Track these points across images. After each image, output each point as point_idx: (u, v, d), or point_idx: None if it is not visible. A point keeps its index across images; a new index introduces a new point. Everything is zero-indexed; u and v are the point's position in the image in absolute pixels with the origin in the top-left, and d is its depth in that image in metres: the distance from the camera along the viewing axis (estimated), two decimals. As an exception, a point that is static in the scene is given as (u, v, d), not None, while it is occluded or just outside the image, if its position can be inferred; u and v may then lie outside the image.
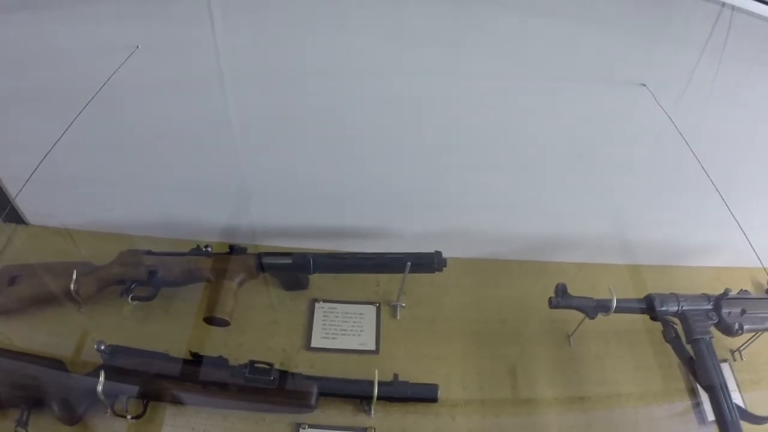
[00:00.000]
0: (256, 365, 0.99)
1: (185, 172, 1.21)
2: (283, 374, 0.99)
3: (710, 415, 1.05)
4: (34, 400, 1.03)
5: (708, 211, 1.13)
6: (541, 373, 1.08)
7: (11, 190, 1.28)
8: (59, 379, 1.05)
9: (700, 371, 1.04)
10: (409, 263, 1.03)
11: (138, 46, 1.00)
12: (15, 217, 1.32)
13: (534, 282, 1.18)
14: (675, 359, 1.10)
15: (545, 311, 1.12)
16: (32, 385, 1.05)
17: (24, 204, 1.31)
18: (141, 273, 1.11)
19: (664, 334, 1.08)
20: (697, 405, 1.09)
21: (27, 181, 0.98)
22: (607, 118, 1.07)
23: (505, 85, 1.03)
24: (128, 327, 1.13)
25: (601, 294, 1.09)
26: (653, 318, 1.08)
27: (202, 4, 0.96)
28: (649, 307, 1.06)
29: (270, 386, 0.98)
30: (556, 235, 1.18)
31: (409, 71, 1.03)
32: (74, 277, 1.12)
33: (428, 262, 1.04)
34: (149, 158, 1.21)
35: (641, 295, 1.10)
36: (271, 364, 0.98)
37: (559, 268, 1.20)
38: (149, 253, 1.13)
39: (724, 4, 0.97)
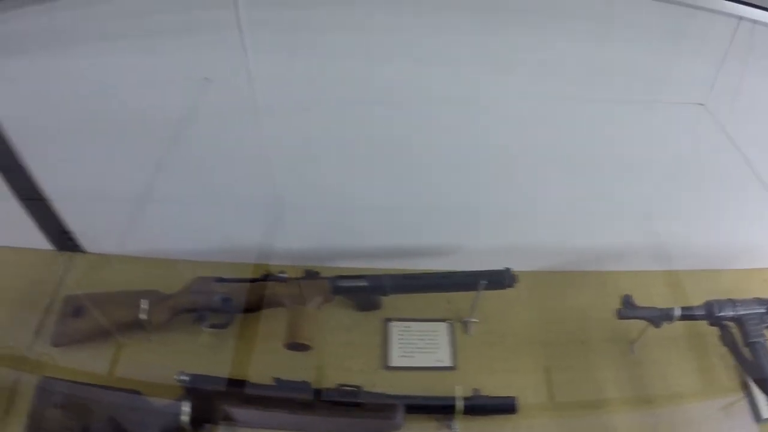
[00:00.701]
0: (343, 387, 1.02)
1: (245, 197, 1.22)
2: (369, 395, 1.02)
3: (765, 413, 1.11)
4: (113, 434, 1.05)
5: (756, 216, 1.20)
6: (608, 380, 1.13)
7: (69, 220, 1.29)
8: (141, 411, 1.06)
9: (756, 371, 1.09)
10: (483, 281, 1.07)
11: (206, 78, 1.01)
12: (72, 245, 1.32)
13: (592, 292, 1.23)
14: (728, 361, 1.17)
15: (605, 321, 1.17)
16: (112, 418, 1.06)
17: (81, 232, 1.31)
18: (215, 300, 1.12)
19: (722, 338, 1.13)
20: (754, 403, 1.14)
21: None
22: (660, 134, 1.11)
23: (562, 106, 1.06)
24: (202, 354, 1.14)
25: (656, 301, 1.15)
26: (711, 323, 1.14)
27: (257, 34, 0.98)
28: (708, 313, 1.12)
29: (358, 408, 1.01)
30: (611, 246, 1.23)
31: (468, 95, 1.06)
32: (145, 306, 1.13)
33: (500, 280, 1.08)
34: (207, 184, 1.22)
35: (696, 301, 1.16)
36: (358, 387, 1.01)
37: (614, 277, 1.25)
38: (220, 280, 1.15)
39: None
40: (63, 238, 1.30)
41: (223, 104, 1.08)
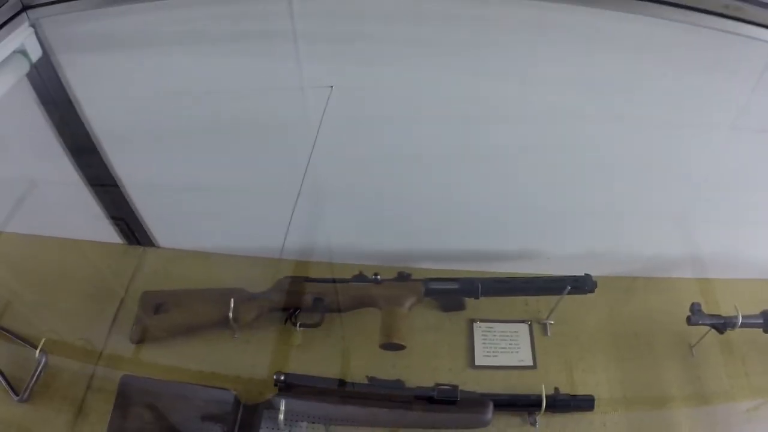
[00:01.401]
0: (441, 387, 1.06)
1: (312, 198, 1.24)
2: (465, 393, 1.07)
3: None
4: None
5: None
6: (672, 381, 1.21)
7: (143, 214, 1.28)
8: (235, 410, 1.08)
9: (804, 375, 1.20)
10: (568, 286, 1.13)
11: (332, 87, 1.02)
12: (146, 239, 1.32)
13: (656, 298, 1.30)
14: None
15: (668, 324, 1.26)
16: (204, 416, 1.08)
17: (154, 226, 1.30)
18: (306, 300, 1.15)
19: (774, 344, 1.23)
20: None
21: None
22: (730, 154, 1.18)
23: (639, 126, 1.12)
24: (290, 353, 1.18)
25: (712, 308, 1.23)
26: (765, 331, 1.23)
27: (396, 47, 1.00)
28: (764, 322, 1.20)
29: (452, 406, 1.06)
30: (675, 255, 1.31)
31: (548, 109, 1.10)
32: (232, 305, 1.14)
33: (583, 285, 1.15)
34: (272, 183, 1.23)
35: (751, 309, 1.23)
36: (456, 386, 1.06)
37: (676, 284, 1.33)
38: (308, 280, 1.17)
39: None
40: (136, 232, 1.30)
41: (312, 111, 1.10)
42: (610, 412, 1.16)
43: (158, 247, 1.33)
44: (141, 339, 1.19)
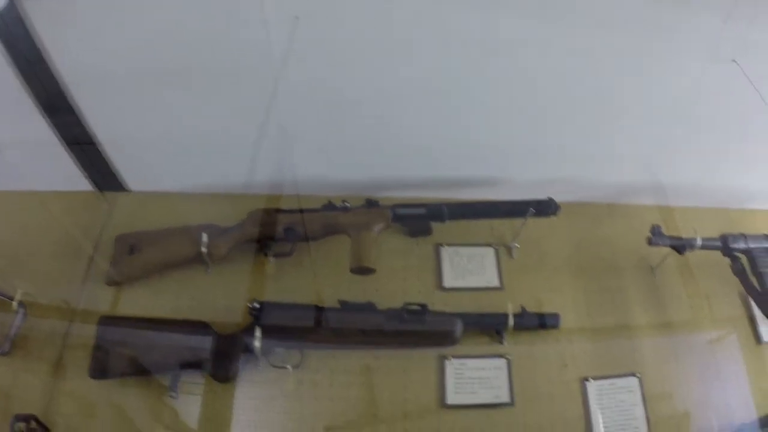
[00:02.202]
0: (409, 308, 1.09)
1: (295, 129, 1.25)
2: (432, 313, 1.11)
3: (765, 336, 1.25)
4: (183, 364, 1.08)
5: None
6: (634, 301, 1.26)
7: (117, 162, 1.29)
8: (212, 341, 1.10)
9: (762, 299, 1.21)
10: (532, 209, 1.17)
11: (297, 17, 1.03)
12: (116, 184, 1.32)
13: (620, 223, 1.35)
14: (735, 288, 1.29)
15: (631, 248, 1.31)
16: (183, 349, 1.09)
17: (125, 171, 1.31)
18: (278, 231, 1.17)
19: (732, 267, 1.25)
20: (755, 327, 1.27)
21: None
22: (696, 86, 1.19)
23: (602, 60, 1.14)
24: (260, 283, 1.20)
25: (672, 232, 1.26)
26: (725, 254, 1.26)
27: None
28: (723, 245, 1.24)
29: (422, 325, 1.09)
30: (639, 181, 1.35)
31: (509, 43, 1.12)
32: (205, 240, 1.16)
33: (546, 208, 1.18)
34: (239, 122, 1.23)
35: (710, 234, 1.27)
36: (424, 305, 1.09)
37: (638, 210, 1.37)
38: (278, 211, 1.19)
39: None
40: (106, 178, 1.30)
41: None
42: (576, 331, 1.20)
43: (129, 191, 1.34)
44: (117, 281, 1.19)
